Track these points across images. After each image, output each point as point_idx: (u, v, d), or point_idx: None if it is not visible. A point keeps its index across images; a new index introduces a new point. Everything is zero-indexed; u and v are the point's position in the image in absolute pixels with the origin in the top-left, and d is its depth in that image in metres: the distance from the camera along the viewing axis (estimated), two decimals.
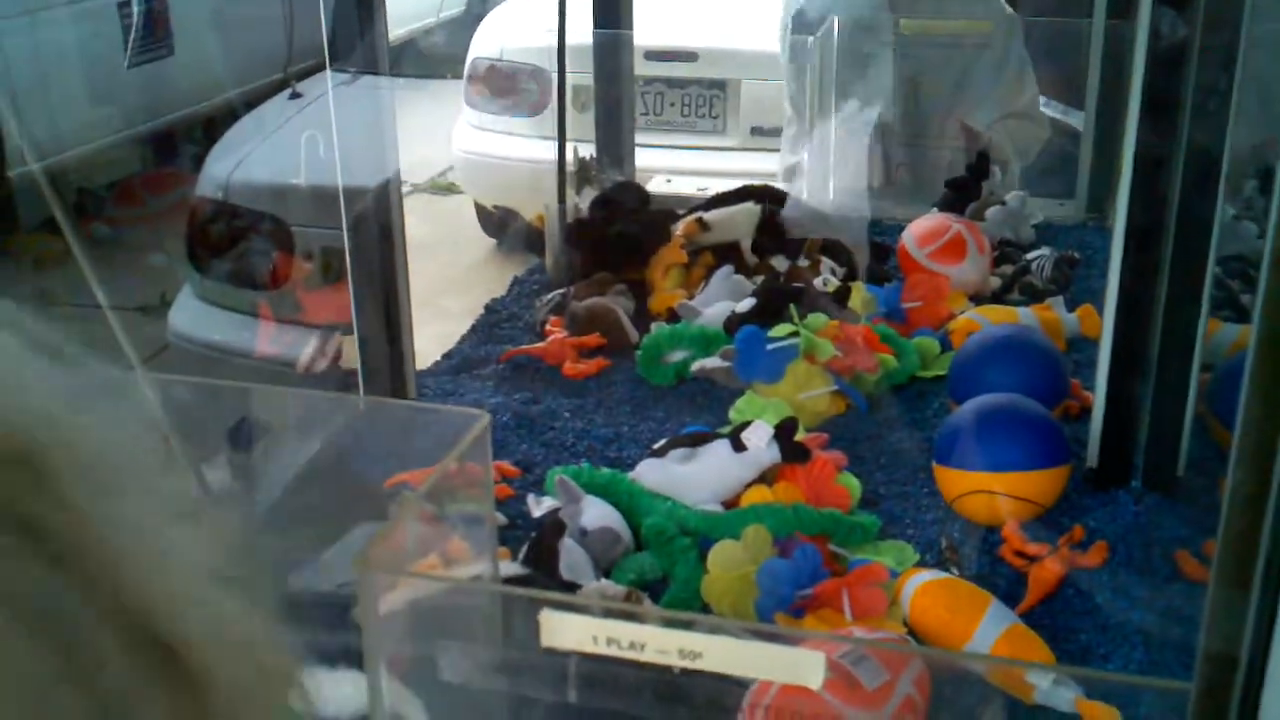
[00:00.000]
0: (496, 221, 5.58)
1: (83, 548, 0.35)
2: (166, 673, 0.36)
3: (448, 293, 5.42)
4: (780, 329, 1.71)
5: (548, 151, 4.10)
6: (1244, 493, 0.47)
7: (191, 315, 3.55)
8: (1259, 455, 0.46)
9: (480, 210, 5.63)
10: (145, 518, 0.38)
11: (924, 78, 2.61)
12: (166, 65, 5.87)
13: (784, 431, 1.43)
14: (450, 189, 6.33)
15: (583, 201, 2.26)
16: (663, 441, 1.49)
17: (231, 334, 2.84)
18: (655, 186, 2.57)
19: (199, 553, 0.40)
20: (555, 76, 4.71)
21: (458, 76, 5.56)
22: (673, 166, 4.00)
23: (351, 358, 1.90)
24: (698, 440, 1.44)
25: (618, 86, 2.43)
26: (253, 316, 2.77)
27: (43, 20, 5.30)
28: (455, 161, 5.30)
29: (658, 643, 0.64)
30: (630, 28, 2.39)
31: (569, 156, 2.32)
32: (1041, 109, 2.86)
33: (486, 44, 5.04)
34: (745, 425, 1.45)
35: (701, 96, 4.73)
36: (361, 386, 1.81)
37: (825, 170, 2.49)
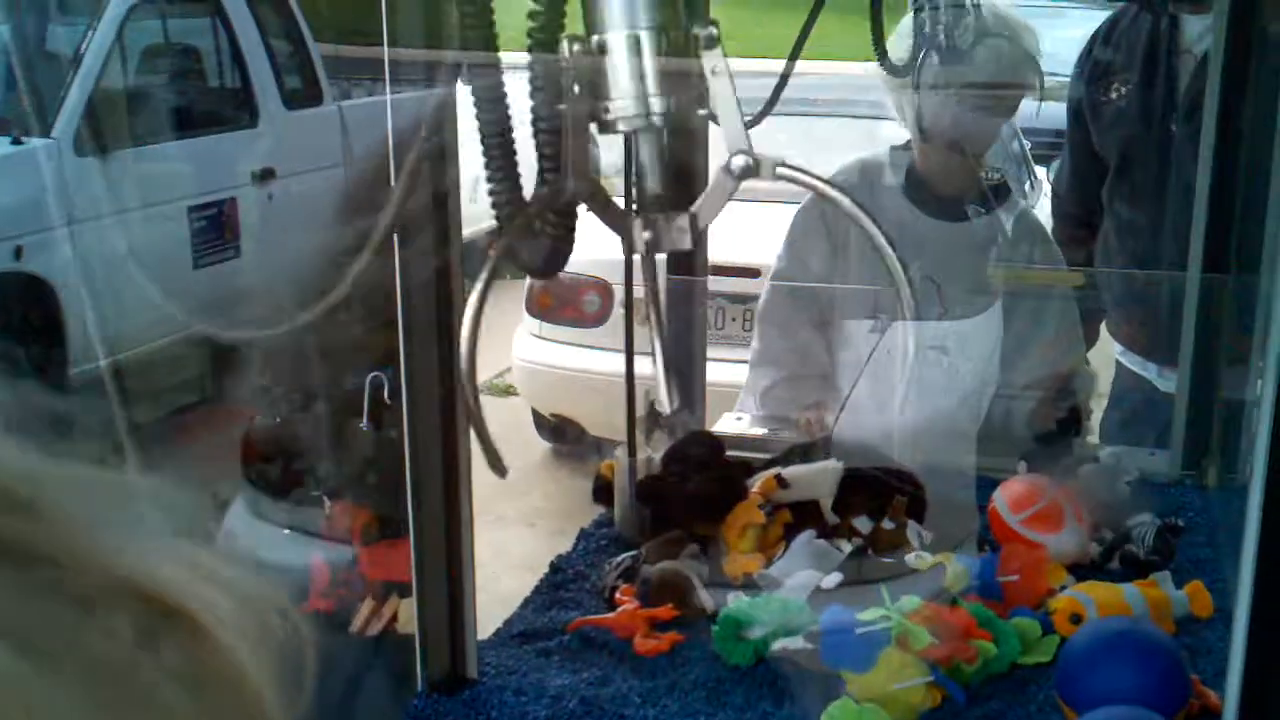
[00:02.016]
0: (554, 428, 5.53)
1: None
2: (167, 625, 0.41)
3: (503, 497, 5.33)
4: (870, 612, 1.60)
5: (608, 363, 4.05)
6: None
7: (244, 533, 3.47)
8: None
9: (537, 416, 5.58)
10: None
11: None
12: (232, 266, 5.96)
13: None
14: (508, 391, 6.30)
15: (653, 448, 2.16)
16: None
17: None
18: (726, 425, 2.48)
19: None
20: (618, 290, 4.68)
21: (517, 277, 5.57)
22: (735, 382, 3.93)
23: (408, 622, 1.79)
24: None
25: (690, 327, 2.37)
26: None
27: (116, 219, 5.41)
28: (515, 369, 5.28)
29: None
30: (705, 271, 2.34)
31: (639, 401, 2.23)
32: (1118, 358, 2.76)
33: None
34: None
35: None
36: (419, 659, 1.70)
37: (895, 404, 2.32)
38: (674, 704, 1.61)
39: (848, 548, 1.87)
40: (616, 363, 2.23)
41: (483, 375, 6.53)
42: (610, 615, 1.77)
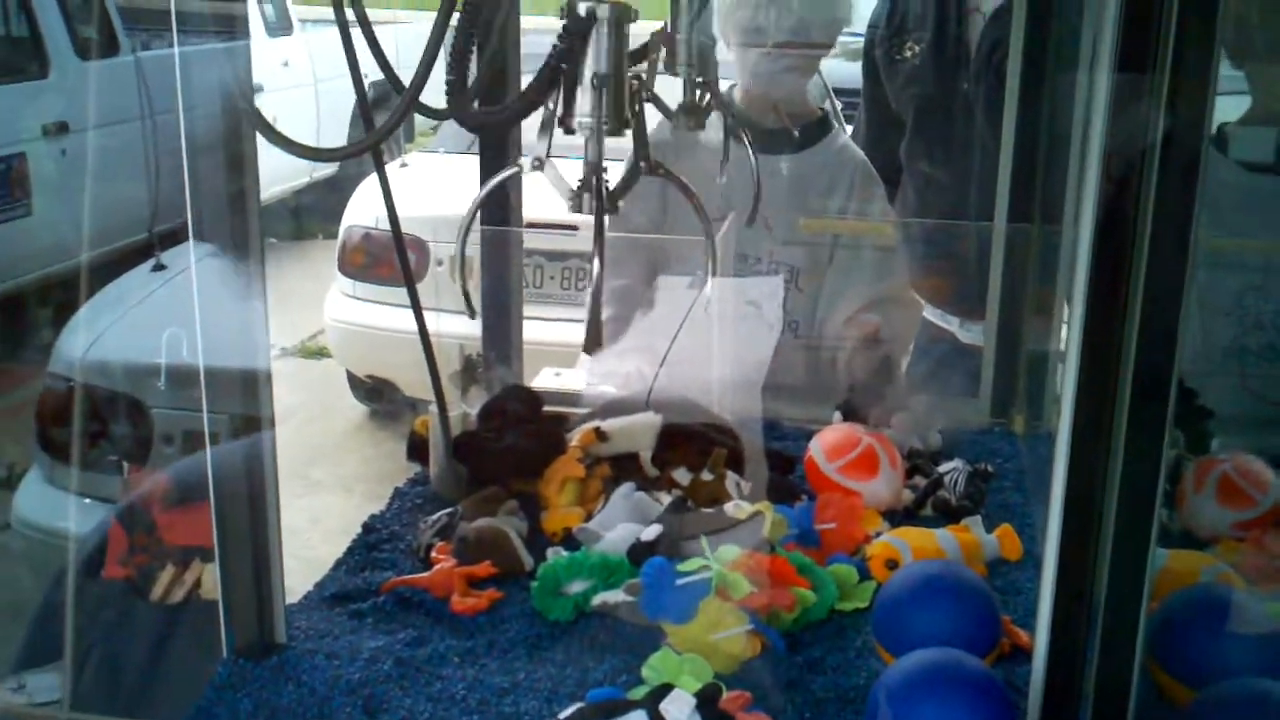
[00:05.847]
0: (370, 390, 5.41)
1: None
2: None
3: (317, 463, 5.19)
4: (690, 563, 1.58)
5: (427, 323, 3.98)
6: None
7: (38, 500, 3.30)
8: None
9: (353, 378, 5.45)
10: None
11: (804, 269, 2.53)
12: (23, 225, 5.66)
13: (707, 700, 1.28)
14: (321, 353, 6.14)
15: (469, 403, 2.11)
16: (569, 712, 1.33)
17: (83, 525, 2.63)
18: (544, 381, 2.44)
19: None
20: (433, 248, 4.57)
21: (330, 237, 5.42)
22: (553, 340, 3.89)
23: (211, 588, 1.71)
24: (610, 710, 1.29)
25: (506, 281, 2.31)
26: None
27: None
28: (327, 331, 5.14)
29: None
30: (520, 223, 2.28)
31: (455, 355, 2.18)
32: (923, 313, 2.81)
33: (361, 211, 4.92)
34: (662, 691, 1.30)
35: (583, 269, 4.66)
36: (224, 624, 1.62)
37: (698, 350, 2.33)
38: (493, 662, 1.57)
39: (667, 500, 1.85)
40: (435, 321, 2.17)
41: (294, 338, 6.35)
42: (426, 574, 1.72)
